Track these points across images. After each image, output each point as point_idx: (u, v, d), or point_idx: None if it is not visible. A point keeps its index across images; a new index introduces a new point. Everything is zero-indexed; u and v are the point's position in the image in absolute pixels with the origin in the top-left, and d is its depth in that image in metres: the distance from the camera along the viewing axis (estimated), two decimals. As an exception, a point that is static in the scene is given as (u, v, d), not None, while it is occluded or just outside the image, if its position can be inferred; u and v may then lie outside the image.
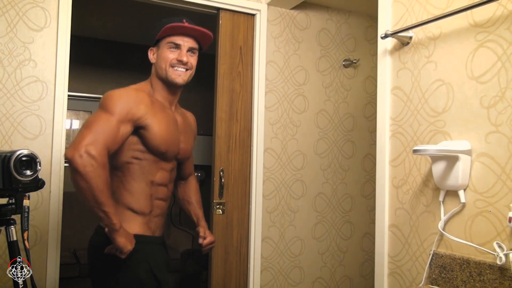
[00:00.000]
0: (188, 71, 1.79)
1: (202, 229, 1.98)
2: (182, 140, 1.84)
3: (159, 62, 1.77)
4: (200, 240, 1.96)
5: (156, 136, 1.69)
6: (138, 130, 1.68)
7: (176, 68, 1.75)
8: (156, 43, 1.80)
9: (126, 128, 1.63)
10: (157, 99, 1.79)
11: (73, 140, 1.53)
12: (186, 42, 1.76)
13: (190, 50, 1.78)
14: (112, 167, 1.69)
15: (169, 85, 1.79)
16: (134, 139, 1.70)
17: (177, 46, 1.76)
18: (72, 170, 1.48)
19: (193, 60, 1.80)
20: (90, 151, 1.49)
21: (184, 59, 1.75)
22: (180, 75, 1.76)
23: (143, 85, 1.81)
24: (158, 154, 1.73)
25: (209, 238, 1.97)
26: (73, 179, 1.49)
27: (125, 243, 1.56)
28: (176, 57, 1.74)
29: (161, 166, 1.77)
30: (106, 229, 1.57)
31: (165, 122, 1.74)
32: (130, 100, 1.66)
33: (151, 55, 1.82)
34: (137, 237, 1.66)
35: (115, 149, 1.63)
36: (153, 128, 1.69)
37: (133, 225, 1.70)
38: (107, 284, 1.71)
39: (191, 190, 2.10)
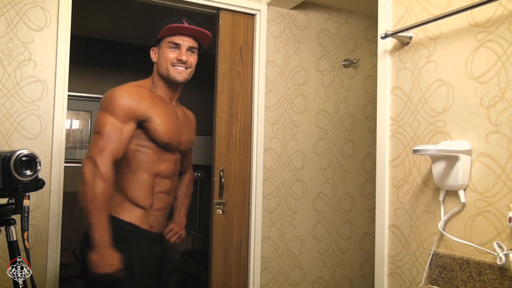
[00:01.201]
0: (188, 69, 1.86)
1: (173, 225, 1.99)
2: (184, 132, 1.91)
3: (161, 61, 1.84)
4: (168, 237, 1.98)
5: (159, 128, 1.76)
6: (141, 123, 1.75)
7: (176, 66, 1.82)
8: (157, 43, 1.86)
9: (130, 127, 1.71)
10: (159, 94, 1.86)
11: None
12: (185, 42, 1.83)
13: (190, 49, 1.85)
14: (117, 162, 1.73)
15: (170, 83, 1.86)
16: (137, 130, 1.76)
17: (177, 46, 1.82)
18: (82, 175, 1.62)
19: (192, 59, 1.86)
20: (96, 161, 1.62)
21: (184, 58, 1.81)
22: (181, 73, 1.83)
23: (145, 82, 1.88)
24: (162, 145, 1.79)
25: (172, 232, 1.97)
26: (80, 183, 1.62)
27: (95, 263, 1.59)
28: (176, 56, 1.81)
29: (165, 158, 1.82)
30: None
31: (166, 114, 1.81)
32: (131, 98, 1.73)
33: (153, 55, 1.89)
34: (131, 226, 1.73)
35: (124, 151, 1.71)
36: (155, 120, 1.76)
37: (131, 215, 1.75)
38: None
39: (180, 185, 2.13)
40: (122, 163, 1.75)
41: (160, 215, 1.85)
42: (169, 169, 1.84)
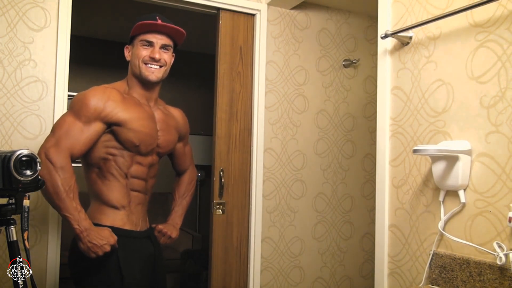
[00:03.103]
0: (162, 68, 1.80)
1: (161, 226, 1.98)
2: (161, 134, 1.86)
3: (133, 59, 1.80)
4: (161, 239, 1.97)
5: (129, 130, 1.72)
6: (111, 126, 1.71)
7: (149, 65, 1.77)
8: (130, 40, 1.82)
9: (96, 127, 1.68)
10: (133, 96, 1.82)
11: None
12: (159, 40, 1.78)
13: (163, 47, 1.80)
14: (88, 165, 1.75)
15: (144, 82, 1.81)
16: (107, 136, 1.73)
17: (150, 44, 1.78)
18: None
19: (166, 56, 1.81)
20: (48, 155, 1.57)
21: (157, 56, 1.76)
22: (154, 72, 1.78)
23: (118, 84, 1.84)
24: (132, 147, 1.75)
25: (160, 234, 1.96)
26: None
27: (87, 250, 1.61)
28: (148, 54, 1.76)
29: (136, 160, 1.79)
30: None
31: (138, 116, 1.76)
32: (96, 99, 1.69)
33: (127, 53, 1.85)
34: (113, 229, 1.70)
35: (84, 150, 1.68)
36: (125, 122, 1.72)
37: (112, 218, 1.73)
38: (82, 272, 1.74)
39: (178, 185, 2.12)
40: (94, 169, 1.75)
41: (139, 211, 1.83)
42: (141, 172, 1.81)
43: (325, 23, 2.98)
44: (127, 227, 1.77)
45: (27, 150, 1.40)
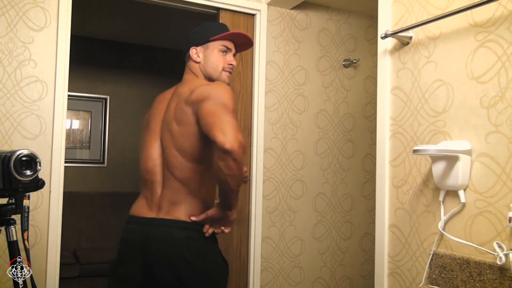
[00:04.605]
0: (231, 74, 1.91)
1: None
2: None
3: (211, 63, 1.85)
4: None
5: None
6: None
7: (226, 70, 1.87)
8: (204, 43, 1.86)
9: None
10: None
11: (226, 131, 1.55)
12: (232, 48, 1.88)
13: (234, 55, 1.91)
14: (197, 161, 1.76)
15: None
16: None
17: (228, 50, 1.86)
18: (229, 159, 1.56)
19: None
20: (242, 142, 1.59)
21: (235, 63, 1.87)
22: (228, 77, 1.88)
23: None
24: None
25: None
26: (228, 166, 1.58)
27: (234, 216, 1.78)
28: (228, 62, 1.86)
29: None
30: (216, 212, 1.78)
31: None
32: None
33: (194, 54, 1.86)
34: None
35: None
36: None
37: None
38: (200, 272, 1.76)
39: None
40: (200, 168, 1.76)
41: None
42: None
43: (325, 23, 2.98)
44: None
45: (27, 150, 1.40)
